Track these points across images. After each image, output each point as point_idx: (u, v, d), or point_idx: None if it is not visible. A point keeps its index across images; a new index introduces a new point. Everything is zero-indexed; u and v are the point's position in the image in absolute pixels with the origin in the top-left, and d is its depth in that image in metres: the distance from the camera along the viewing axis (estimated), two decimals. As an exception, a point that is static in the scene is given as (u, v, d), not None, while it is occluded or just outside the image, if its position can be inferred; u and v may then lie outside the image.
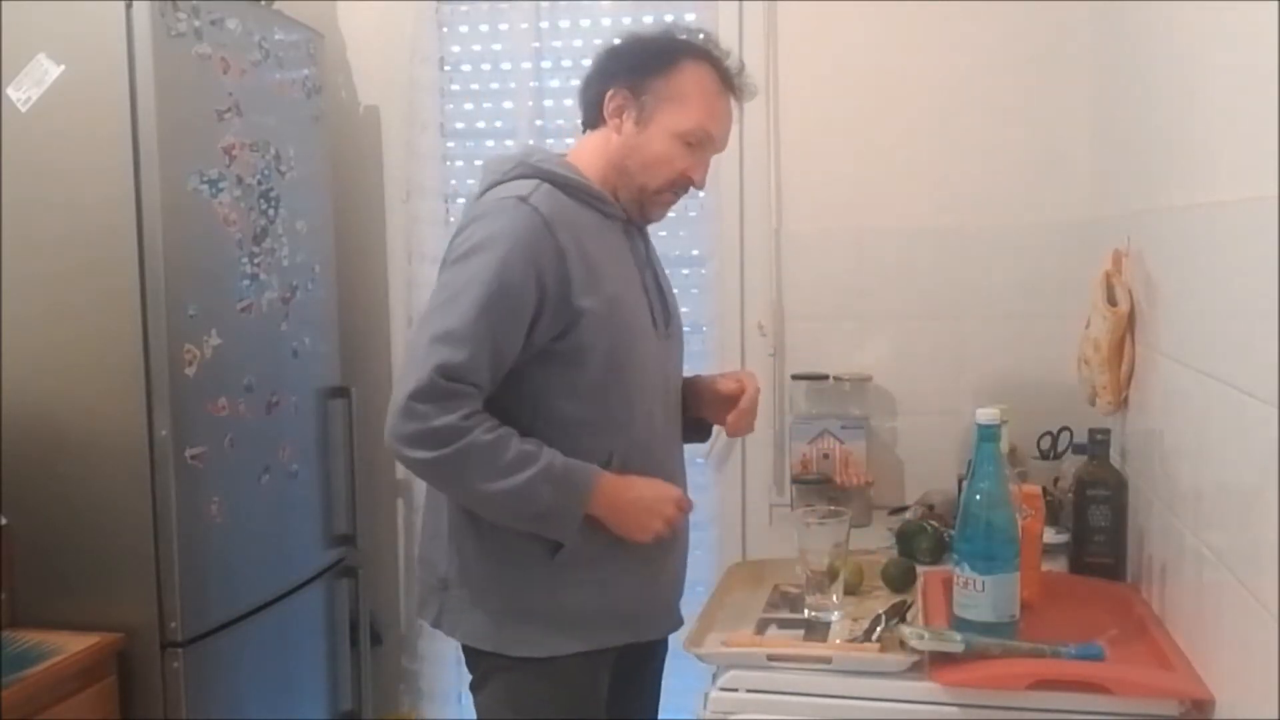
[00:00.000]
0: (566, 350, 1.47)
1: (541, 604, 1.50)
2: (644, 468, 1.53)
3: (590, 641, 1.52)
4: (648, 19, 2.47)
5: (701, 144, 1.54)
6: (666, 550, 1.59)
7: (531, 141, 2.49)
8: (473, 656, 1.56)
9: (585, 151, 1.57)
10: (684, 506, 1.55)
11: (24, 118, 1.93)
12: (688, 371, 1.74)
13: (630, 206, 1.57)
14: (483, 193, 1.54)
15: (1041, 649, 1.37)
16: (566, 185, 1.51)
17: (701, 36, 1.58)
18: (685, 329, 2.45)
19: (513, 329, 1.44)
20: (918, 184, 2.36)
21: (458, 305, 1.41)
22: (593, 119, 1.57)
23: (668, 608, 1.64)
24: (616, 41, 1.59)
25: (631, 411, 1.53)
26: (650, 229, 1.69)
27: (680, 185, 1.57)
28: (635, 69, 1.52)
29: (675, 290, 1.74)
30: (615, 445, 1.51)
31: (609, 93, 1.52)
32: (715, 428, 1.75)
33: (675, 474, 1.63)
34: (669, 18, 2.45)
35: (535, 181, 1.49)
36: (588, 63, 2.49)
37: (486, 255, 1.43)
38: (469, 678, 1.60)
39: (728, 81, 1.55)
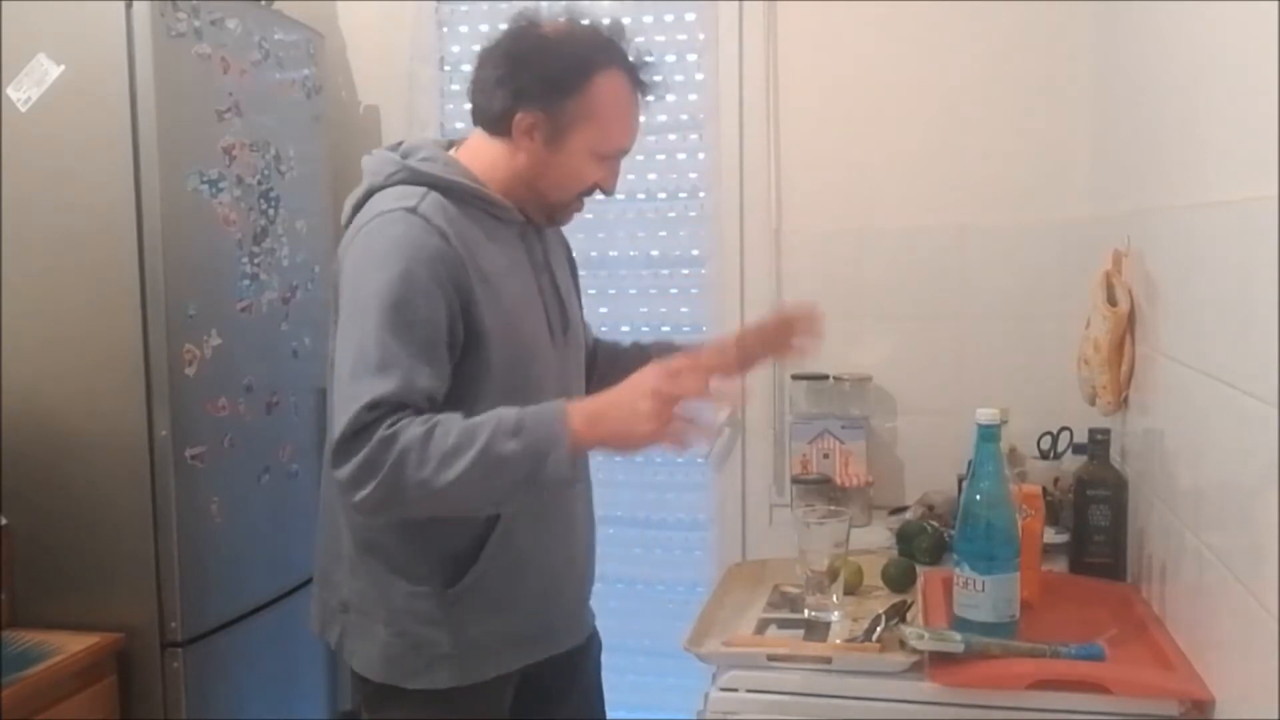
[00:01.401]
0: (463, 374, 1.36)
1: (438, 635, 1.41)
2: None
3: (489, 670, 1.44)
4: (647, 19, 2.47)
5: (615, 156, 1.46)
6: (569, 560, 1.52)
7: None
8: (361, 683, 1.48)
9: (484, 158, 1.45)
10: (670, 371, 1.28)
11: (24, 118, 1.93)
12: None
13: (536, 215, 1.48)
14: (362, 199, 1.43)
15: (1041, 649, 1.37)
16: (453, 191, 1.41)
17: (608, 23, 1.44)
18: (685, 329, 2.51)
19: (435, 333, 1.32)
20: (918, 184, 2.36)
21: (367, 337, 1.29)
22: (493, 125, 1.43)
23: (570, 619, 1.57)
24: (519, 34, 1.42)
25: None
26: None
27: (590, 194, 1.48)
28: (548, 89, 1.39)
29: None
30: None
31: (519, 115, 1.40)
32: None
33: (577, 494, 1.52)
34: (669, 18, 2.46)
35: (421, 189, 1.39)
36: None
37: (385, 275, 1.30)
38: None
39: (638, 84, 1.45)
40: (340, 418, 1.27)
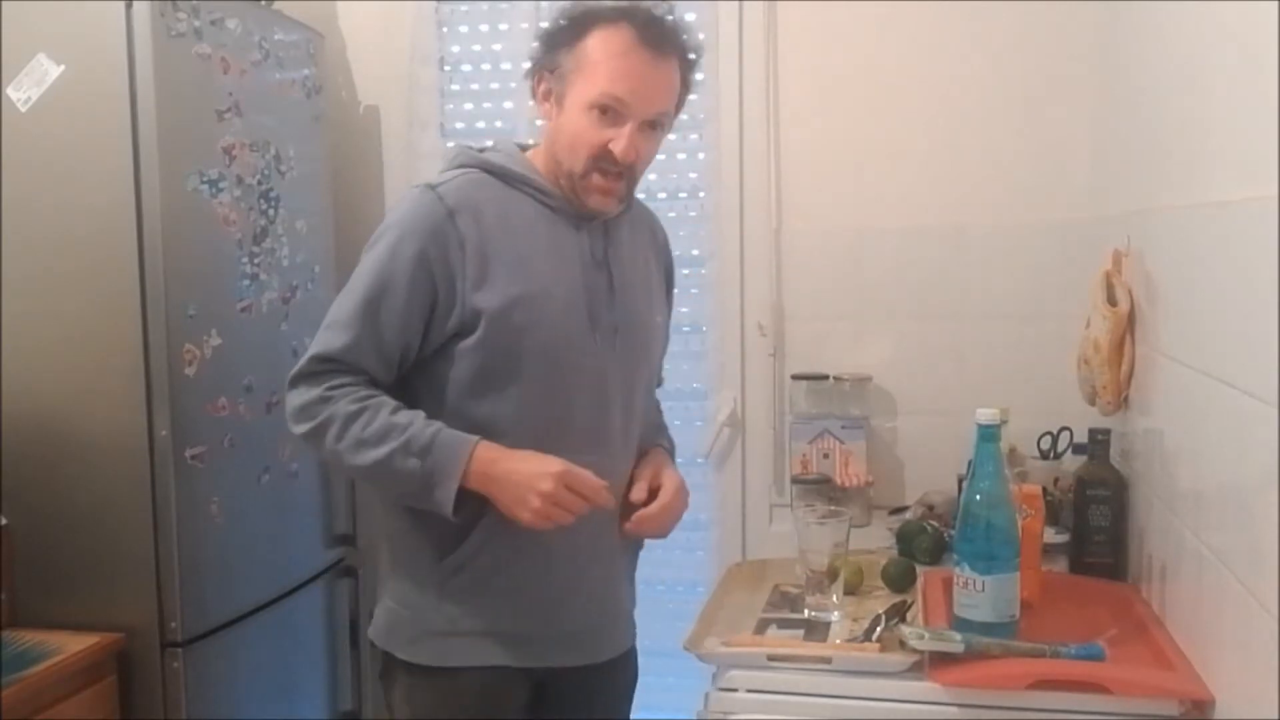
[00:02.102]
0: (466, 350, 1.40)
1: (429, 608, 1.44)
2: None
3: (470, 657, 1.43)
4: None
5: (615, 110, 1.39)
6: (579, 574, 1.47)
7: (531, 141, 2.48)
8: (375, 652, 1.51)
9: (541, 144, 1.51)
10: (571, 481, 1.35)
11: (24, 118, 1.93)
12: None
13: (570, 197, 1.45)
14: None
15: (1041, 649, 1.37)
16: (504, 175, 1.45)
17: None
18: (685, 329, 2.50)
19: (398, 317, 1.39)
20: (918, 184, 2.36)
21: (348, 294, 1.42)
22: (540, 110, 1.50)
23: (577, 636, 1.49)
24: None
25: (541, 421, 1.42)
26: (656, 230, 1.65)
27: (604, 161, 1.41)
28: (550, 48, 1.44)
29: (673, 291, 1.70)
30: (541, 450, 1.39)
31: (533, 82, 1.46)
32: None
33: (591, 520, 1.42)
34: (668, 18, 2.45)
35: (463, 170, 1.46)
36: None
37: (381, 244, 1.42)
38: None
39: (645, 37, 1.39)
40: (306, 354, 1.42)
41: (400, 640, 1.46)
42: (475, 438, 1.37)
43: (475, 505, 1.39)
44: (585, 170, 1.42)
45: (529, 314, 1.40)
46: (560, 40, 1.43)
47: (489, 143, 1.55)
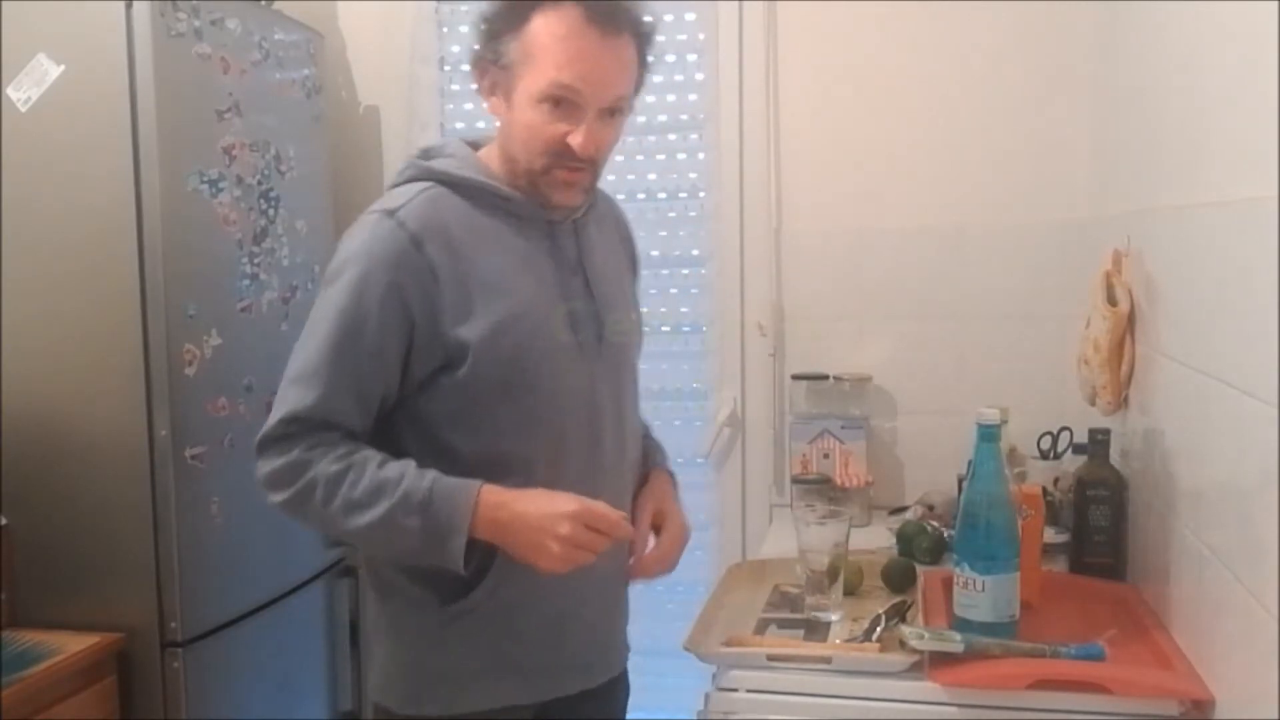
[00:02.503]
0: (453, 384, 1.30)
1: (432, 655, 1.35)
2: None
3: (482, 701, 1.35)
4: (647, 19, 2.46)
5: (568, 101, 1.28)
6: (579, 600, 1.39)
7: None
8: (375, 711, 1.42)
9: (494, 148, 1.39)
10: (589, 520, 1.26)
11: (24, 118, 1.93)
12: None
13: (530, 194, 1.35)
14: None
15: (1041, 649, 1.37)
16: (462, 187, 1.35)
17: None
18: (685, 329, 2.50)
19: (372, 361, 1.29)
20: (918, 184, 2.36)
21: (311, 340, 1.30)
22: (487, 106, 1.38)
23: (580, 660, 1.44)
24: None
25: (538, 446, 1.34)
26: (637, 229, 1.58)
27: (563, 154, 1.30)
28: (491, 36, 1.32)
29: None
30: (527, 485, 1.30)
31: (476, 75, 1.35)
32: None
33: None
34: (669, 18, 2.46)
35: (420, 186, 1.34)
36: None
37: (342, 281, 1.29)
38: None
39: (592, 16, 1.27)
40: (270, 417, 1.29)
41: (398, 696, 1.37)
42: (477, 483, 1.27)
43: (483, 549, 1.30)
44: (544, 167, 1.32)
45: (515, 336, 1.31)
46: (501, 28, 1.31)
47: (432, 143, 1.44)
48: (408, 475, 1.26)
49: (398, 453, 1.31)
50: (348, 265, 1.30)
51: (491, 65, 1.32)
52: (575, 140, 1.29)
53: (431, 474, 1.27)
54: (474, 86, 1.37)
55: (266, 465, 1.29)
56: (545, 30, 1.28)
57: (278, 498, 1.29)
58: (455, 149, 1.40)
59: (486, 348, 1.29)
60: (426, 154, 1.41)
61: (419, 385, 1.32)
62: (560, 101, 1.28)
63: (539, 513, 1.26)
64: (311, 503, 1.26)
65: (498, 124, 1.38)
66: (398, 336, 1.29)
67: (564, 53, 1.27)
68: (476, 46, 1.35)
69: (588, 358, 1.38)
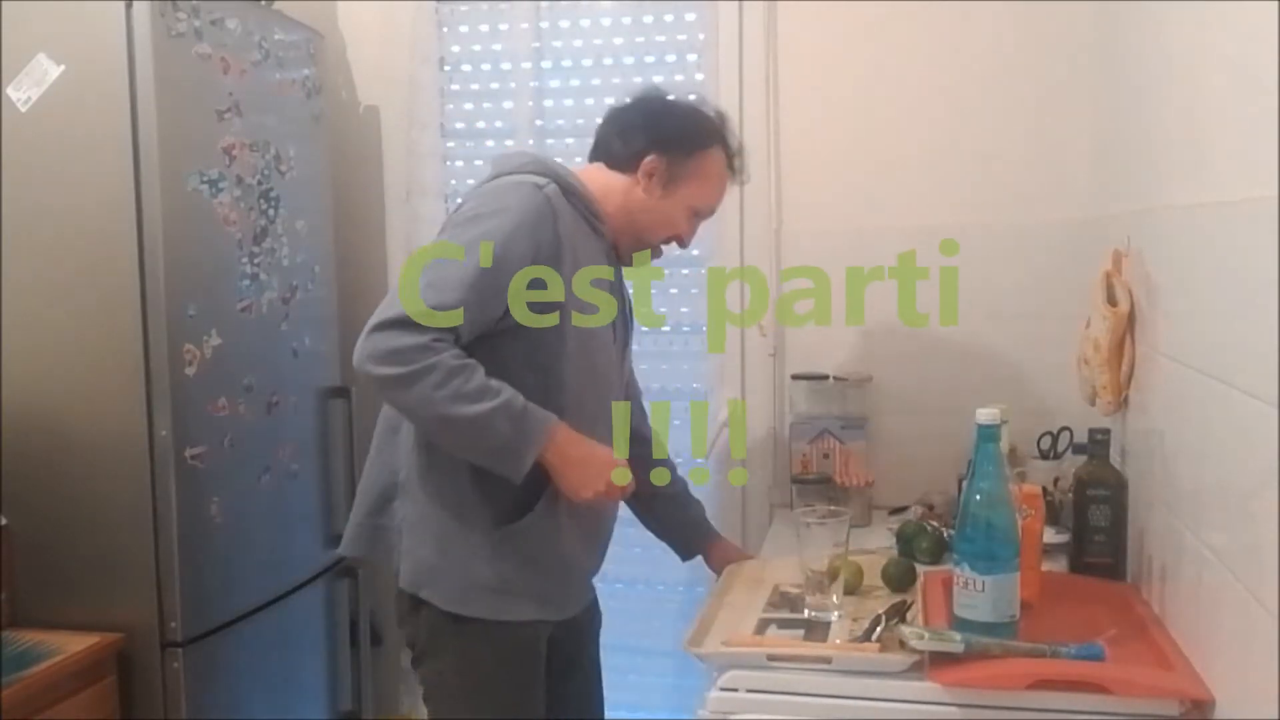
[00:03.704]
0: (545, 335, 1.56)
1: (482, 567, 1.58)
2: None
3: (517, 612, 1.60)
4: (648, 19, 2.47)
5: (703, 217, 1.75)
6: (598, 539, 1.73)
7: (531, 141, 2.49)
8: (401, 598, 1.63)
9: (598, 184, 1.69)
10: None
11: (24, 118, 1.93)
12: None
13: (623, 246, 1.73)
14: (492, 178, 1.63)
15: (1041, 649, 1.37)
16: (572, 193, 1.62)
17: (716, 114, 1.76)
18: (685, 329, 2.52)
19: (500, 299, 1.52)
20: (918, 184, 2.36)
21: (454, 262, 1.49)
22: (619, 162, 1.71)
23: (582, 588, 1.77)
24: (656, 96, 1.76)
25: (578, 402, 1.62)
26: None
27: (669, 242, 1.75)
28: (678, 143, 1.69)
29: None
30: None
31: (651, 156, 1.68)
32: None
33: None
34: (669, 18, 2.46)
35: (546, 180, 1.59)
36: (588, 63, 2.52)
37: (496, 221, 1.52)
38: None
39: (730, 164, 1.76)
40: (405, 300, 1.46)
41: (445, 594, 1.58)
42: (553, 415, 1.53)
43: (535, 477, 1.54)
44: (652, 244, 1.74)
45: (590, 343, 1.63)
46: (688, 143, 1.70)
47: (510, 145, 1.71)
48: (505, 390, 1.50)
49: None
50: (501, 213, 1.53)
51: (662, 158, 1.68)
52: (687, 239, 1.77)
53: (517, 393, 1.51)
54: (634, 164, 1.69)
55: (390, 341, 1.45)
56: (716, 163, 1.73)
57: (388, 371, 1.45)
58: (566, 170, 1.67)
59: (576, 311, 1.59)
60: (521, 157, 1.69)
61: (510, 327, 1.55)
62: (697, 214, 1.74)
63: (597, 458, 1.57)
64: (422, 383, 1.44)
65: (617, 179, 1.71)
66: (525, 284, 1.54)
67: (716, 188, 1.75)
68: (655, 136, 1.68)
69: (618, 354, 1.75)
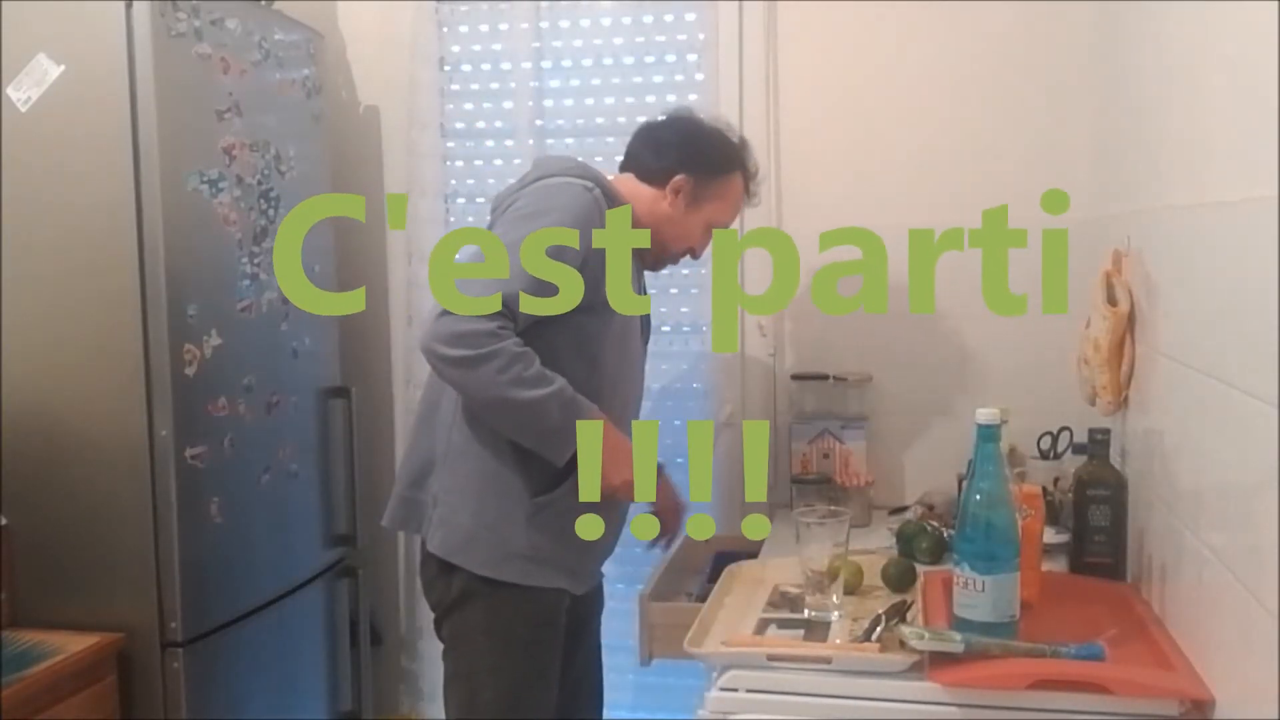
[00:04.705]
0: (589, 328, 1.69)
1: (516, 534, 1.68)
2: None
3: (548, 580, 1.71)
4: (647, 19, 2.47)
5: (716, 231, 1.91)
6: (618, 518, 1.83)
7: (531, 142, 2.49)
8: (431, 561, 1.72)
9: (631, 193, 1.81)
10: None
11: (24, 118, 1.93)
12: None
13: (645, 253, 1.85)
14: (537, 180, 1.74)
15: (1041, 649, 1.37)
16: (611, 198, 1.73)
17: (740, 140, 1.92)
18: (685, 329, 2.52)
19: (550, 292, 1.62)
20: (918, 184, 2.36)
21: (515, 253, 1.60)
22: (649, 175, 1.84)
23: (598, 566, 1.89)
24: (689, 117, 1.89)
25: (609, 393, 1.73)
26: None
27: (685, 255, 1.91)
28: (706, 165, 1.83)
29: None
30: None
31: (681, 175, 1.82)
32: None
33: None
34: (669, 18, 2.46)
35: (592, 183, 1.72)
36: (588, 63, 2.52)
37: (551, 219, 1.63)
38: None
39: (746, 187, 1.92)
40: (474, 291, 1.57)
41: (480, 559, 1.68)
42: (597, 408, 1.66)
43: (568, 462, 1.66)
44: (673, 253, 1.89)
45: (621, 338, 1.75)
46: (716, 166, 1.85)
47: (550, 155, 1.81)
48: (559, 378, 1.61)
49: None
50: (561, 210, 1.66)
51: (689, 179, 1.82)
52: (700, 253, 1.93)
53: (570, 386, 1.62)
54: (662, 181, 1.83)
55: (460, 325, 1.56)
56: (737, 186, 1.89)
57: (456, 353, 1.55)
58: (599, 172, 1.78)
59: (613, 338, 1.73)
60: (566, 161, 1.79)
61: (557, 318, 1.66)
62: (710, 231, 1.89)
63: (624, 451, 1.68)
64: (485, 366, 1.55)
65: (647, 191, 1.84)
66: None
67: (733, 209, 1.92)
68: (684, 158, 1.82)
69: (641, 352, 1.89)
